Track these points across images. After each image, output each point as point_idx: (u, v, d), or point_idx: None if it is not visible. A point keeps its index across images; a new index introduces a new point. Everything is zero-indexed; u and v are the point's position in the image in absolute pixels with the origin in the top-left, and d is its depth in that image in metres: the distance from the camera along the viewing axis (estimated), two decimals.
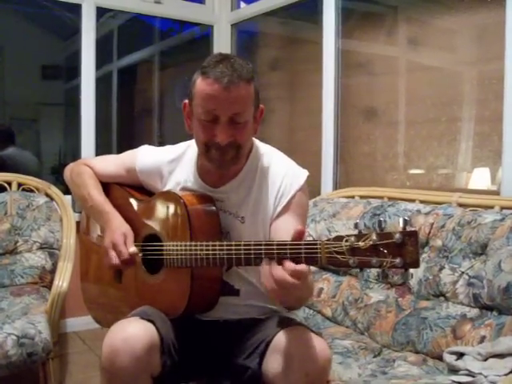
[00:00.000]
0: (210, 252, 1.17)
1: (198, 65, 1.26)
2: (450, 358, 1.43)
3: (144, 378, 1.17)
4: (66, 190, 2.05)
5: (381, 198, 2.14)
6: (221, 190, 1.36)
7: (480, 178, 2.31)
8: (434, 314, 1.65)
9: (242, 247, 1.12)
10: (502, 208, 1.74)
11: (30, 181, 2.55)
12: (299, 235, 1.05)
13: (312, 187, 1.46)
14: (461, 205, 1.85)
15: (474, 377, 1.30)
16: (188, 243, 1.23)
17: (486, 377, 1.28)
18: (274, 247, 1.06)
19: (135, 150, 1.53)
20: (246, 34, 3.71)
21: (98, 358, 1.20)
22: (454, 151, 2.41)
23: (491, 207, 1.77)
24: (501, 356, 1.36)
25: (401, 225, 0.96)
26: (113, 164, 1.56)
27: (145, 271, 1.38)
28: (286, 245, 1.05)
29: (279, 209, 1.32)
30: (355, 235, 0.99)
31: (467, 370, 1.33)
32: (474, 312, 1.58)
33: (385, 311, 1.80)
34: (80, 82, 2.98)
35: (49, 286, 2.22)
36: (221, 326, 1.36)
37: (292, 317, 1.38)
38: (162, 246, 1.31)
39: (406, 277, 0.99)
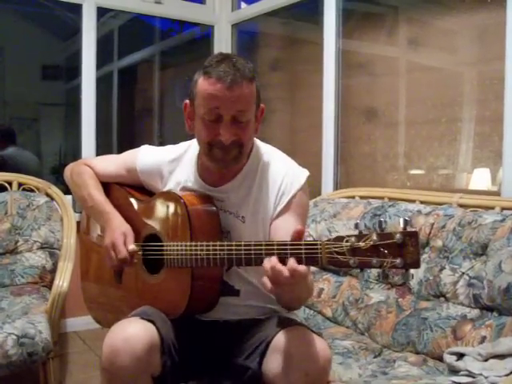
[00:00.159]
0: (211, 252, 1.17)
1: (199, 65, 1.26)
2: (450, 359, 1.43)
3: (144, 378, 1.17)
4: (67, 190, 2.05)
5: (381, 198, 2.14)
6: (221, 190, 1.35)
7: (480, 179, 2.31)
8: (434, 315, 1.65)
9: (242, 247, 1.12)
10: (503, 209, 1.74)
11: (31, 180, 2.55)
12: (298, 235, 1.05)
13: (312, 187, 1.46)
14: (461, 205, 1.85)
15: (474, 377, 1.30)
16: (188, 243, 1.23)
17: (486, 377, 1.28)
18: (275, 247, 1.06)
19: (136, 149, 1.53)
20: (247, 35, 3.70)
21: (98, 358, 1.20)
22: (454, 152, 2.41)
23: (492, 208, 1.76)
24: (501, 357, 1.36)
25: (401, 225, 0.96)
26: (113, 164, 1.55)
27: (145, 271, 1.38)
28: (286, 245, 1.05)
29: (279, 208, 1.31)
30: (356, 235, 0.99)
31: (467, 370, 1.33)
32: (475, 313, 1.58)
33: (385, 312, 1.80)
34: (80, 82, 2.98)
35: (49, 286, 2.22)
36: (221, 326, 1.36)
37: (292, 317, 1.38)
38: (162, 245, 1.31)
39: (406, 277, 0.99)
